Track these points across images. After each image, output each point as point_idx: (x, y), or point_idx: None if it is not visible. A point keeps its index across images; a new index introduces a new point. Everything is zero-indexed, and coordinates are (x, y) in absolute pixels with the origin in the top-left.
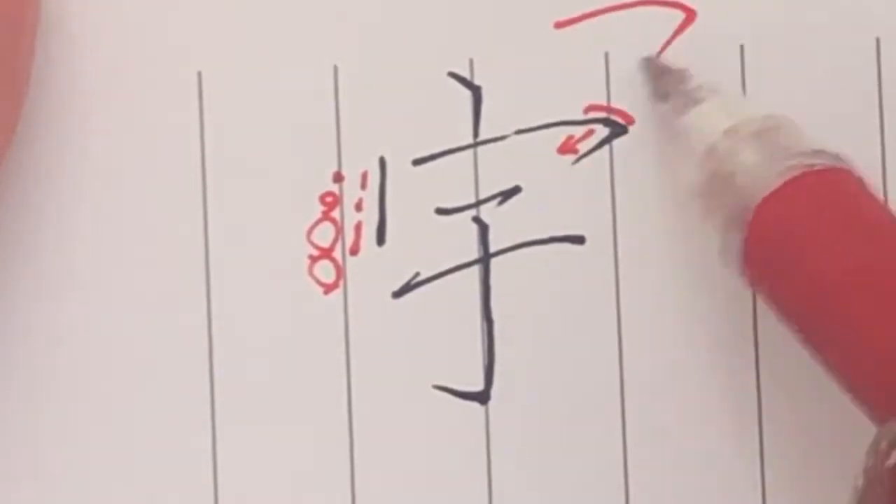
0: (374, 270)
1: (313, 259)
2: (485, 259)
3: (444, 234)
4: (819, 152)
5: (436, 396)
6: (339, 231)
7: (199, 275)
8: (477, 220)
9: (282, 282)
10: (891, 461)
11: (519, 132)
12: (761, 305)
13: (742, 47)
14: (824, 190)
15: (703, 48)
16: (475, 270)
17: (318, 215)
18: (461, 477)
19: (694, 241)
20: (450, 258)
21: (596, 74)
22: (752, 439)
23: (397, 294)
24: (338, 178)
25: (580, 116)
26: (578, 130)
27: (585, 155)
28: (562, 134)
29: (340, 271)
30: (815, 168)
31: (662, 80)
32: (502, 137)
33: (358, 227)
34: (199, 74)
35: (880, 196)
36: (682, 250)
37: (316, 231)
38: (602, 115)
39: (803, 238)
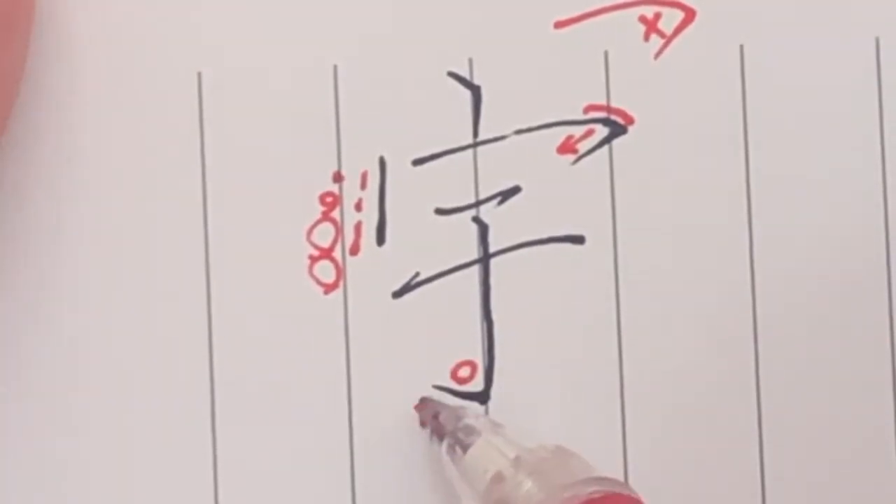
0: (373, 270)
1: (313, 259)
2: (484, 259)
3: (444, 234)
4: (600, 479)
5: (436, 396)
6: (339, 231)
7: (199, 275)
8: (477, 220)
9: (282, 282)
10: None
11: (519, 132)
12: (761, 304)
13: (742, 47)
14: None
15: (703, 48)
16: (475, 270)
17: (318, 215)
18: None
19: (694, 241)
20: (450, 258)
21: (596, 74)
22: (752, 439)
23: (397, 294)
24: (338, 178)
25: (580, 116)
26: (578, 130)
27: (585, 155)
28: (561, 134)
29: (340, 271)
30: (594, 496)
31: (438, 419)
32: (502, 137)
33: (358, 227)
34: (199, 74)
35: None
36: (681, 249)
37: (316, 231)
38: (602, 114)
39: None
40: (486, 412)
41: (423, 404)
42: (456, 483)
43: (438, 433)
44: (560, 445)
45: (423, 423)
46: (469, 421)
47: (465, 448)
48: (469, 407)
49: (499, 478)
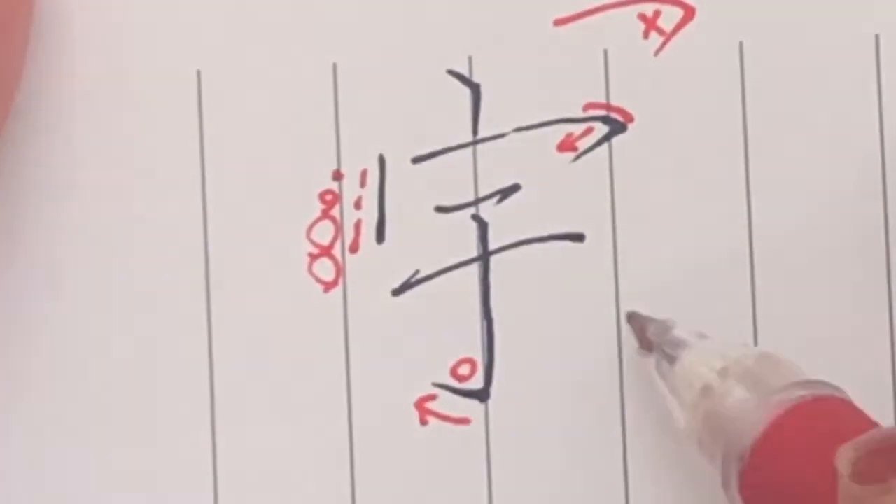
0: (373, 268)
1: (313, 257)
2: (484, 257)
3: (444, 232)
4: (808, 383)
5: (436, 394)
6: (339, 229)
7: (199, 273)
8: (476, 217)
9: (281, 280)
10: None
11: (518, 130)
12: (761, 303)
13: (741, 44)
14: (814, 421)
15: (703, 46)
16: (475, 268)
17: (318, 213)
18: (461, 475)
19: (693, 238)
20: (449, 256)
21: (595, 72)
22: None
23: (397, 292)
24: (337, 175)
25: (579, 114)
26: (578, 128)
27: (585, 152)
28: (561, 131)
29: (340, 269)
30: (805, 399)
31: (647, 331)
32: (501, 135)
33: (357, 225)
34: (199, 73)
35: (870, 417)
36: (681, 248)
37: (315, 229)
38: (601, 112)
39: (799, 471)
40: (486, 410)
41: (631, 317)
42: (665, 398)
43: (647, 346)
44: (766, 351)
45: (637, 333)
46: (676, 333)
47: (672, 361)
48: (675, 320)
49: (707, 390)
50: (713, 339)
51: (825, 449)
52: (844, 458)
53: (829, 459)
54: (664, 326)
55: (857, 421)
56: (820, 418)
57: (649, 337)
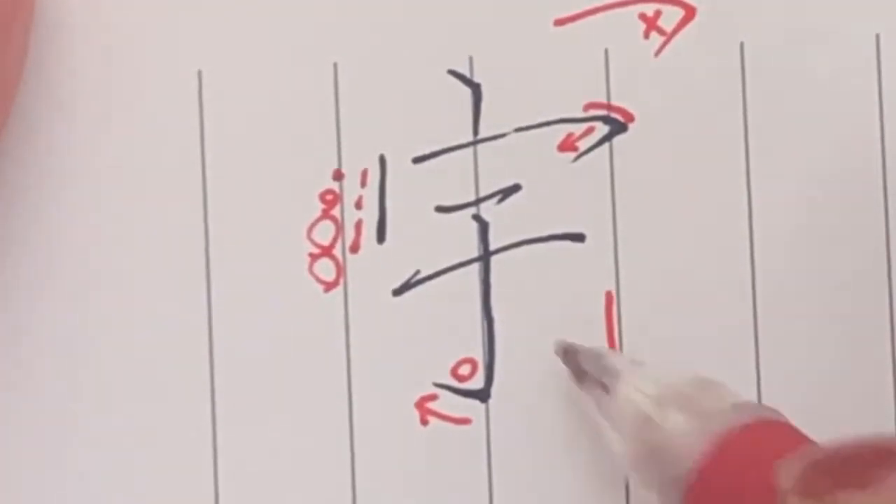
0: (374, 268)
1: (313, 257)
2: (485, 257)
3: (445, 232)
4: (744, 405)
5: (436, 394)
6: (340, 229)
7: (200, 273)
8: (477, 217)
9: (282, 280)
10: None
11: (519, 130)
12: (762, 303)
13: (742, 44)
14: (753, 443)
15: (703, 46)
16: (475, 268)
17: (318, 213)
18: (461, 475)
19: (694, 238)
20: (450, 256)
21: (596, 72)
22: None
23: (397, 292)
24: (338, 175)
25: (580, 114)
26: (578, 128)
27: (585, 152)
28: (562, 131)
29: (340, 269)
30: (742, 423)
31: (578, 360)
32: (502, 135)
33: (358, 225)
34: (199, 73)
35: (809, 437)
36: (682, 248)
37: (316, 229)
38: (602, 112)
39: (741, 494)
40: (487, 410)
41: (565, 351)
42: (602, 428)
43: (580, 377)
44: (700, 375)
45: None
46: (609, 361)
47: (606, 390)
48: (607, 349)
49: (643, 417)
50: (647, 365)
51: (766, 470)
52: (785, 472)
53: (770, 479)
54: (596, 355)
55: (797, 441)
56: (759, 440)
57: (582, 367)
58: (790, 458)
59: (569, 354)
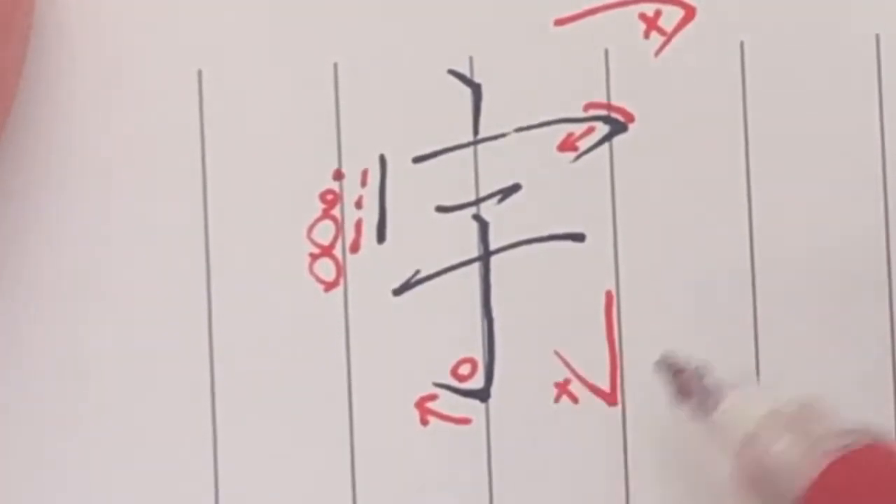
0: (374, 268)
1: (314, 257)
2: (485, 257)
3: (445, 232)
4: (853, 431)
5: (436, 394)
6: (340, 229)
7: (200, 273)
8: (477, 217)
9: (282, 280)
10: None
11: (519, 130)
12: (762, 303)
13: (742, 44)
14: (863, 470)
15: (703, 45)
16: (475, 268)
17: (319, 213)
18: (461, 475)
19: (694, 238)
20: (450, 256)
21: (596, 72)
22: None
23: (397, 292)
24: (338, 175)
25: (580, 114)
26: (578, 128)
27: (585, 152)
28: (562, 131)
29: (341, 269)
30: (852, 448)
31: (681, 379)
32: (502, 135)
33: (358, 225)
34: (199, 73)
35: None
36: (682, 247)
37: (316, 229)
38: (602, 112)
39: None
40: (487, 409)
41: (663, 366)
42: (706, 442)
43: (684, 393)
44: (807, 400)
45: (672, 381)
46: (713, 379)
47: (709, 409)
48: (708, 366)
49: (751, 438)
50: (750, 386)
51: (877, 497)
52: None
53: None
54: (699, 373)
55: None
56: (869, 466)
57: (685, 383)
58: None
59: (666, 370)
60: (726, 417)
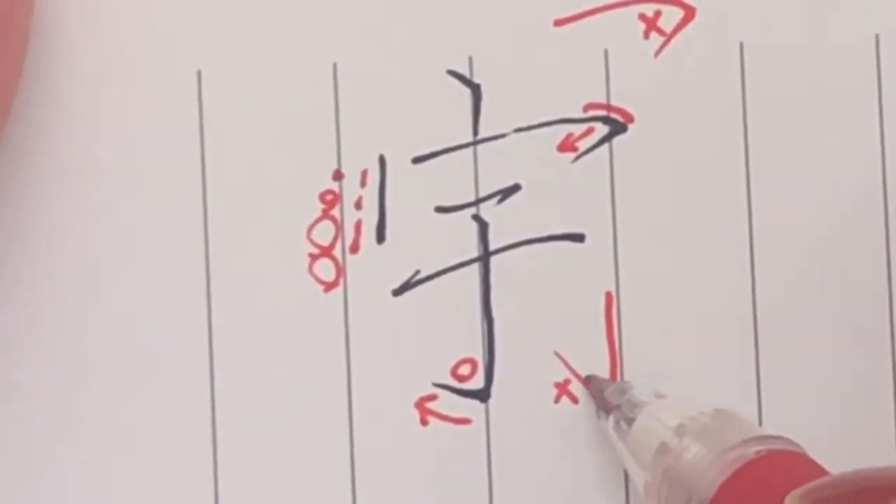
0: (374, 268)
1: (313, 257)
2: (485, 257)
3: (444, 232)
4: (763, 438)
5: (436, 394)
6: (339, 229)
7: (199, 274)
8: (477, 218)
9: (282, 280)
10: None
11: (518, 130)
12: (761, 303)
13: (742, 45)
14: (769, 474)
15: (703, 46)
16: (475, 268)
17: (318, 213)
18: (461, 475)
19: (694, 239)
20: (450, 256)
21: (595, 72)
22: None
23: (397, 292)
24: (337, 176)
25: (580, 114)
26: (578, 128)
27: (585, 153)
28: (561, 132)
29: (340, 269)
30: (760, 454)
31: (605, 392)
32: (502, 135)
33: (358, 226)
34: (199, 73)
35: (825, 469)
36: (681, 247)
37: (316, 229)
38: (601, 112)
39: None
40: (487, 410)
41: (589, 380)
42: (624, 458)
43: (606, 408)
44: (720, 408)
45: (595, 396)
46: (633, 394)
47: (630, 422)
48: (631, 382)
49: (663, 448)
50: (669, 397)
51: (777, 500)
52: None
53: None
54: (621, 388)
55: (811, 472)
56: (775, 471)
57: (607, 398)
58: (798, 490)
59: (593, 386)
60: (642, 429)
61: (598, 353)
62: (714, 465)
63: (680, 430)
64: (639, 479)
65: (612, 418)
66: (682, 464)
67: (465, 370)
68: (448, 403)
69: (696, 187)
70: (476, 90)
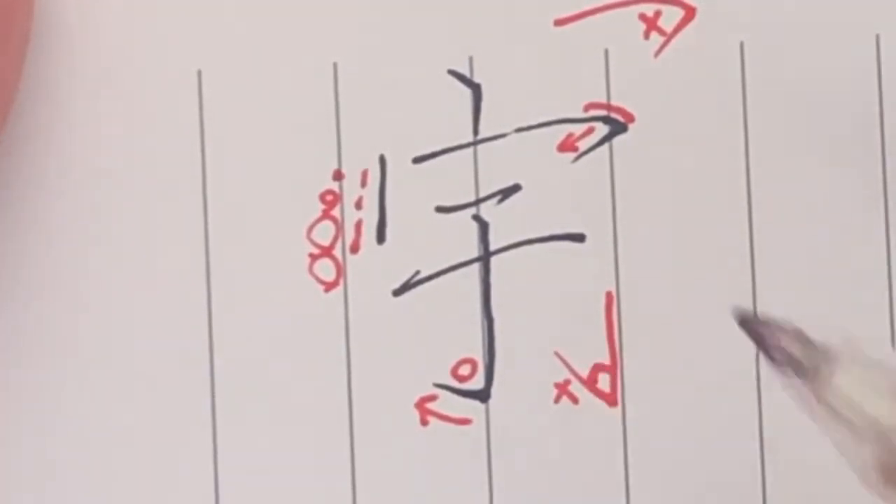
0: (374, 268)
1: (313, 257)
2: (485, 257)
3: (445, 232)
4: None
5: (436, 394)
6: (340, 229)
7: (200, 273)
8: (477, 218)
9: (282, 280)
10: None
11: (519, 130)
12: (762, 303)
13: (742, 45)
14: None
15: (703, 46)
16: (475, 268)
17: (319, 213)
18: (461, 475)
19: (694, 239)
20: (450, 256)
21: (596, 72)
22: (753, 438)
23: (397, 292)
24: (338, 176)
25: (580, 114)
26: (578, 128)
27: (585, 153)
28: (562, 132)
29: (341, 269)
30: None
31: (780, 341)
32: (502, 135)
33: (358, 226)
34: (199, 73)
35: None
36: (682, 248)
37: (316, 229)
38: (602, 112)
39: None
40: (487, 410)
41: (751, 324)
42: (818, 417)
43: (784, 361)
44: None
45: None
46: (819, 343)
47: (820, 379)
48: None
49: (878, 423)
50: (864, 347)
51: None
52: None
53: None
54: (802, 337)
55: None
56: None
57: (784, 348)
58: None
59: (757, 330)
60: (846, 389)
61: (598, 354)
62: None
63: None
64: (849, 456)
65: (797, 373)
66: None
67: (465, 370)
68: (448, 403)
69: (696, 187)
70: (476, 90)
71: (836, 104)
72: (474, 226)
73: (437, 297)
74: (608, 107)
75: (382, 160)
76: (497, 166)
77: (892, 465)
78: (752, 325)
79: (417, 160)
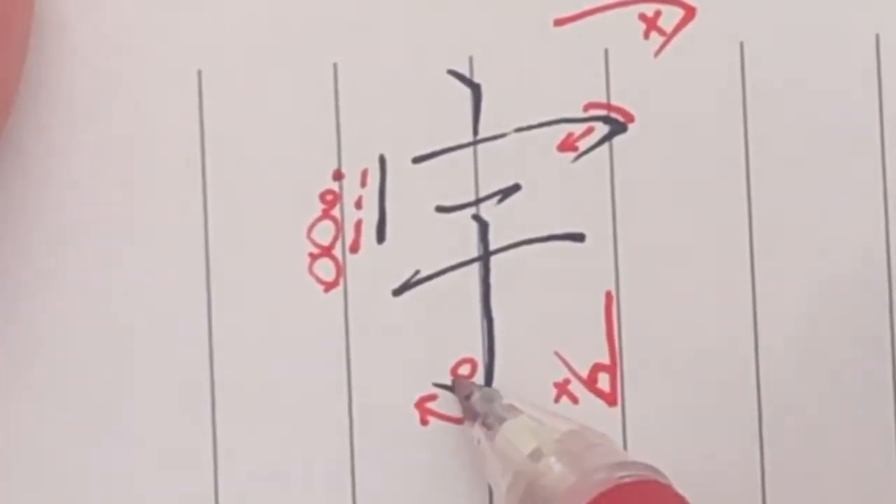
0: (374, 268)
1: (313, 257)
2: (485, 257)
3: (444, 232)
4: (626, 464)
5: (436, 394)
6: (339, 229)
7: (199, 273)
8: (477, 217)
9: (282, 280)
10: None
11: (519, 130)
12: (762, 303)
13: (742, 45)
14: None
15: (703, 46)
16: (475, 268)
17: (318, 213)
18: (461, 474)
19: (693, 239)
20: (450, 256)
21: (596, 72)
22: (753, 435)
23: (397, 292)
24: (338, 175)
25: (580, 114)
26: (578, 128)
27: (585, 152)
28: (562, 131)
29: (340, 269)
30: (622, 481)
31: (471, 398)
32: (502, 135)
33: (358, 225)
34: (199, 73)
35: (686, 500)
36: (682, 248)
37: (316, 229)
38: (602, 112)
39: None
40: None
41: (455, 385)
42: (486, 465)
43: (470, 415)
44: (585, 426)
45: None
46: (500, 403)
47: (494, 431)
48: (499, 391)
49: (524, 465)
50: (535, 410)
51: None
52: None
53: None
54: (489, 396)
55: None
56: (636, 500)
57: (473, 405)
58: None
59: (460, 390)
60: (505, 442)
61: (598, 353)
62: (575, 489)
63: (540, 450)
64: (499, 490)
65: (476, 425)
66: (542, 485)
67: (464, 370)
68: (448, 403)
69: (696, 187)
70: (476, 90)
71: (836, 104)
72: (474, 226)
73: (436, 296)
74: (608, 107)
75: (382, 160)
76: (497, 166)
77: (527, 497)
78: (457, 385)
79: (417, 160)
